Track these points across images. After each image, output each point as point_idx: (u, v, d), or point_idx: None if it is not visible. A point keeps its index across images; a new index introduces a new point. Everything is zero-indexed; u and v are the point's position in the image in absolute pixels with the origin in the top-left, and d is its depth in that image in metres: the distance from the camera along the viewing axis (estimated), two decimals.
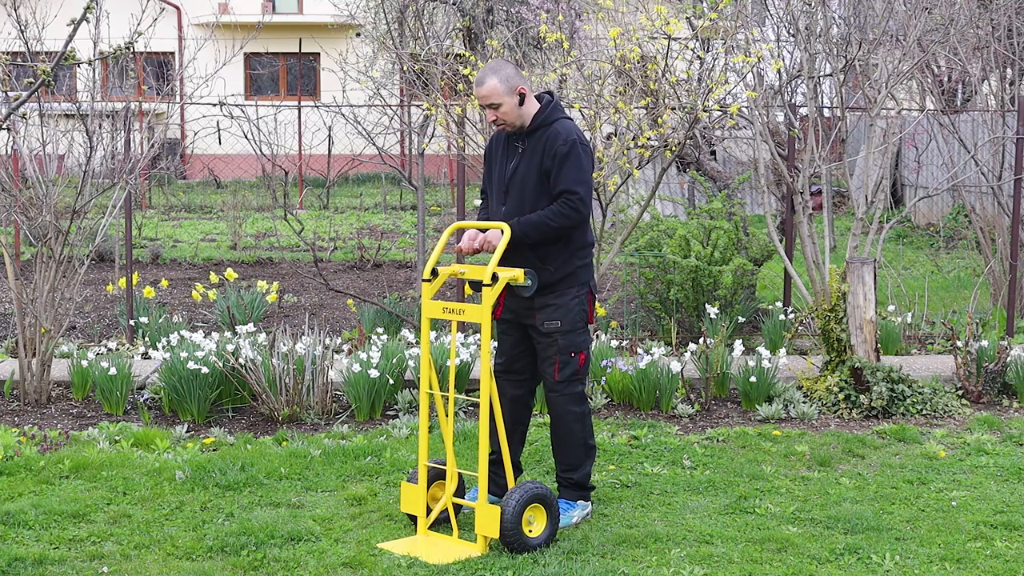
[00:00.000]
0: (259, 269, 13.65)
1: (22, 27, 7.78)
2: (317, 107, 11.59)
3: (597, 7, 9.64)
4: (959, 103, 15.02)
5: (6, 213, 8.10)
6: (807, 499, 5.78)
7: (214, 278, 10.38)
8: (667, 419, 7.32)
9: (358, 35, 20.91)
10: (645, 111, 8.53)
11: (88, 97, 8.29)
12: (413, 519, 5.31)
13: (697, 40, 10.21)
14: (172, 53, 24.90)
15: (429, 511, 5.29)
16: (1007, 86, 12.78)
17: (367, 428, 7.09)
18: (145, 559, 4.96)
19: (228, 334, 8.07)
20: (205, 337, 7.84)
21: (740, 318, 9.32)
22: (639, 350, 8.57)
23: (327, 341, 7.65)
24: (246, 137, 9.86)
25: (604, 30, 9.15)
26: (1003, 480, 6.16)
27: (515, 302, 5.40)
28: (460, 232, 5.56)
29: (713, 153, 12.38)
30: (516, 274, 5.18)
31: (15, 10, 7.75)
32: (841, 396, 7.48)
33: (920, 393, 7.50)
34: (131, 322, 9.31)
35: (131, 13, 7.82)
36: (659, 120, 8.34)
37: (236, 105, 10.04)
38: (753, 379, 7.53)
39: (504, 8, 16.30)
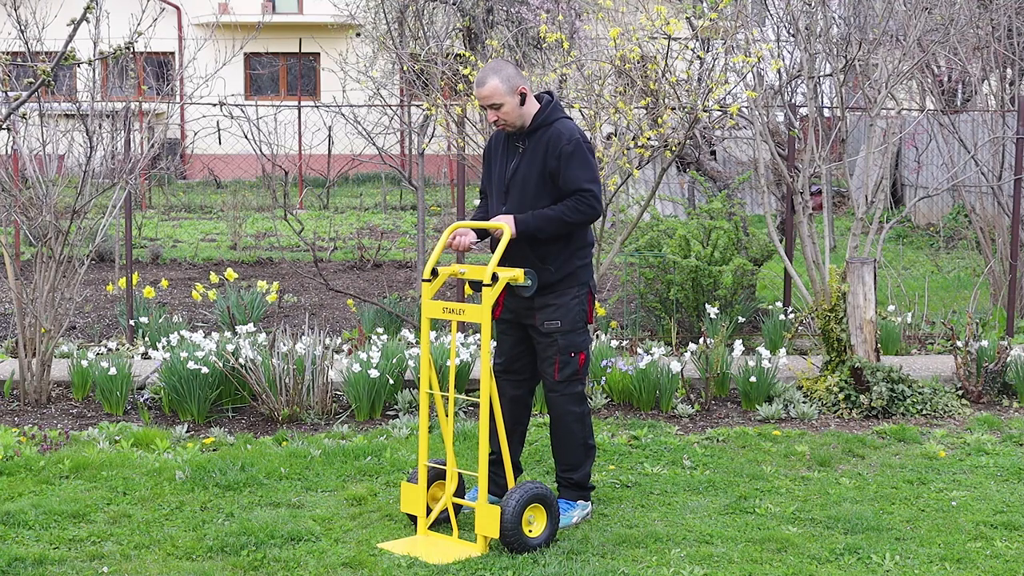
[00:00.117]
0: (259, 269, 13.65)
1: (22, 27, 7.78)
2: (317, 107, 11.59)
3: (597, 7, 9.64)
4: (959, 103, 15.02)
5: (6, 213, 8.10)
6: (807, 499, 5.78)
7: (214, 278, 10.38)
8: (667, 419, 7.32)
9: (358, 35, 20.92)
10: (645, 111, 8.53)
11: (88, 97, 8.29)
12: (413, 519, 5.31)
13: (697, 40, 10.22)
14: (172, 53, 24.90)
15: (429, 511, 5.29)
16: (1007, 86, 12.78)
17: (367, 428, 7.09)
18: (145, 559, 4.96)
19: (228, 334, 8.07)
20: (205, 337, 7.84)
21: (740, 318, 9.32)
22: (639, 350, 8.57)
23: (327, 341, 7.65)
24: (246, 137, 9.86)
25: (604, 30, 9.15)
26: (1003, 480, 6.16)
27: (515, 302, 5.40)
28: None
29: (713, 153, 12.38)
30: (516, 274, 5.18)
31: (15, 10, 7.75)
32: (841, 396, 7.48)
33: (920, 393, 7.50)
34: (131, 322, 9.31)
35: (131, 13, 7.82)
36: (659, 120, 8.34)
37: (236, 105, 10.04)
38: (753, 379, 7.53)
39: (504, 8, 16.30)
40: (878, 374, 7.47)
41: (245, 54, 25.72)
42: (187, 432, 6.92)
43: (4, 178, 7.93)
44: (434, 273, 5.30)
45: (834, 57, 9.62)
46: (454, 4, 16.47)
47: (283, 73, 29.45)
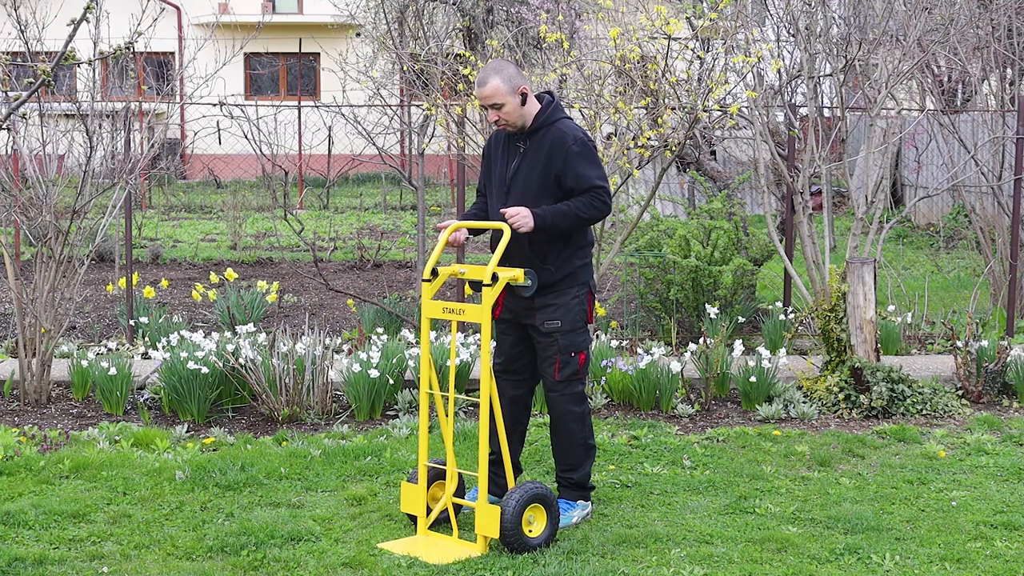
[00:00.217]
0: (259, 269, 13.65)
1: (22, 27, 7.78)
2: (317, 107, 11.59)
3: (597, 7, 9.64)
4: (959, 103, 15.02)
5: (6, 213, 8.10)
6: (807, 499, 5.78)
7: (214, 278, 10.38)
8: (667, 419, 7.32)
9: (358, 35, 20.92)
10: (645, 111, 8.53)
11: (88, 97, 8.29)
12: (413, 519, 5.31)
13: (697, 40, 10.22)
14: (172, 53, 24.90)
15: (429, 511, 5.29)
16: (1007, 86, 12.78)
17: (367, 428, 7.09)
18: (145, 559, 4.96)
19: (228, 334, 8.07)
20: (205, 337, 7.84)
21: (740, 318, 9.32)
22: (639, 350, 8.57)
23: (327, 341, 7.65)
24: (246, 137, 9.86)
25: (604, 30, 9.15)
26: (1003, 480, 6.16)
27: (515, 302, 5.40)
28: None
29: (713, 153, 12.38)
30: (516, 274, 5.18)
31: (15, 10, 7.75)
32: (841, 396, 7.48)
33: (920, 393, 7.50)
34: (131, 322, 9.31)
35: (131, 13, 7.82)
36: (659, 120, 8.34)
37: (236, 105, 10.04)
38: (753, 379, 7.53)
39: (504, 8, 16.30)
40: (878, 374, 7.47)
41: (245, 54, 25.73)
42: (187, 432, 6.92)
43: (4, 178, 7.93)
44: (434, 273, 5.30)
45: (834, 57, 9.62)
46: (454, 4, 16.47)
47: (283, 73, 29.45)
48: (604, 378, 7.66)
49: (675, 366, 7.53)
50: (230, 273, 10.06)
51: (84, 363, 7.66)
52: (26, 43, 7.78)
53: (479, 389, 5.48)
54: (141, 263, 13.83)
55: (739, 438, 6.85)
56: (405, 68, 9.90)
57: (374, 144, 9.97)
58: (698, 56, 9.22)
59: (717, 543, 5.18)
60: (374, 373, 7.23)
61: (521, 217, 5.19)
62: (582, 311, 5.43)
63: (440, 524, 5.36)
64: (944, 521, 5.48)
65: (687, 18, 11.12)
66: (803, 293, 8.99)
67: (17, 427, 6.97)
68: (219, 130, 13.82)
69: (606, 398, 7.67)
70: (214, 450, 6.57)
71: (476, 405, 7.40)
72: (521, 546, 5.00)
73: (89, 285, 11.77)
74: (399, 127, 11.68)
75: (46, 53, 7.82)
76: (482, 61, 9.18)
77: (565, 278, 5.39)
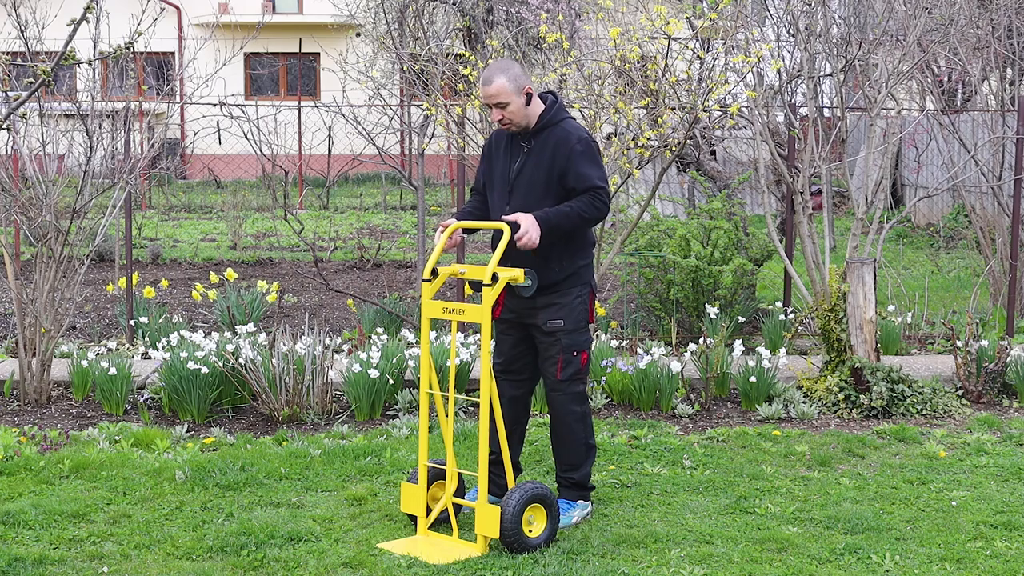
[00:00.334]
0: (259, 269, 13.65)
1: (22, 27, 7.79)
2: (317, 107, 11.59)
3: (597, 7, 9.64)
4: (959, 103, 15.02)
5: (6, 213, 8.10)
6: (807, 499, 5.78)
7: (214, 278, 10.38)
8: (667, 419, 7.32)
9: (358, 35, 20.93)
10: (645, 111, 8.53)
11: (88, 97, 8.29)
12: (413, 519, 5.31)
13: (697, 40, 10.22)
14: (172, 53, 24.90)
15: (429, 511, 5.29)
16: (1007, 86, 12.78)
17: (367, 428, 7.09)
18: (145, 559, 4.96)
19: (228, 334, 8.07)
20: (205, 337, 7.84)
21: (740, 318, 9.32)
22: (639, 350, 8.57)
23: (327, 341, 7.65)
24: (246, 137, 9.86)
25: (604, 30, 9.15)
26: (1003, 480, 6.16)
27: (516, 302, 5.40)
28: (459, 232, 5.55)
29: (713, 153, 12.37)
30: (516, 274, 5.18)
31: (15, 10, 7.75)
32: (841, 396, 7.48)
33: (920, 393, 7.50)
34: (131, 322, 9.31)
35: (131, 13, 7.83)
36: (659, 120, 8.34)
37: (236, 105, 10.05)
38: (753, 379, 7.53)
39: (504, 8, 16.30)
40: (878, 374, 7.47)
41: (245, 54, 25.72)
42: (187, 432, 6.92)
43: (4, 178, 7.93)
44: (434, 273, 5.29)
45: (834, 57, 9.62)
46: (454, 4, 16.48)
47: (283, 73, 29.45)
48: (604, 378, 7.66)
49: (675, 366, 7.53)
50: (230, 273, 10.06)
51: (84, 363, 7.66)
52: (26, 43, 7.78)
53: (479, 389, 5.49)
54: (141, 263, 13.83)
55: (739, 438, 6.85)
56: (405, 68, 9.91)
57: (374, 144, 9.97)
58: (698, 56, 9.22)
59: (717, 543, 5.18)
60: (374, 373, 7.23)
61: (528, 238, 5.15)
62: (584, 310, 5.44)
63: (440, 524, 5.36)
64: (944, 521, 5.48)
65: (687, 18, 11.12)
66: (803, 293, 8.99)
67: (17, 427, 6.97)
68: (219, 130, 13.83)
69: (606, 398, 7.67)
70: (214, 450, 6.57)
71: (476, 405, 7.40)
72: (521, 546, 5.00)
73: (89, 285, 11.77)
74: (399, 127, 11.69)
75: (46, 53, 7.83)
76: (482, 61, 9.19)
77: (568, 277, 5.39)
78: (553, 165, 5.32)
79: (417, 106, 10.61)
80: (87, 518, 5.43)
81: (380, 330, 8.85)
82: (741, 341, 8.07)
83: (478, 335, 8.23)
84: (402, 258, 14.41)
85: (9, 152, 8.76)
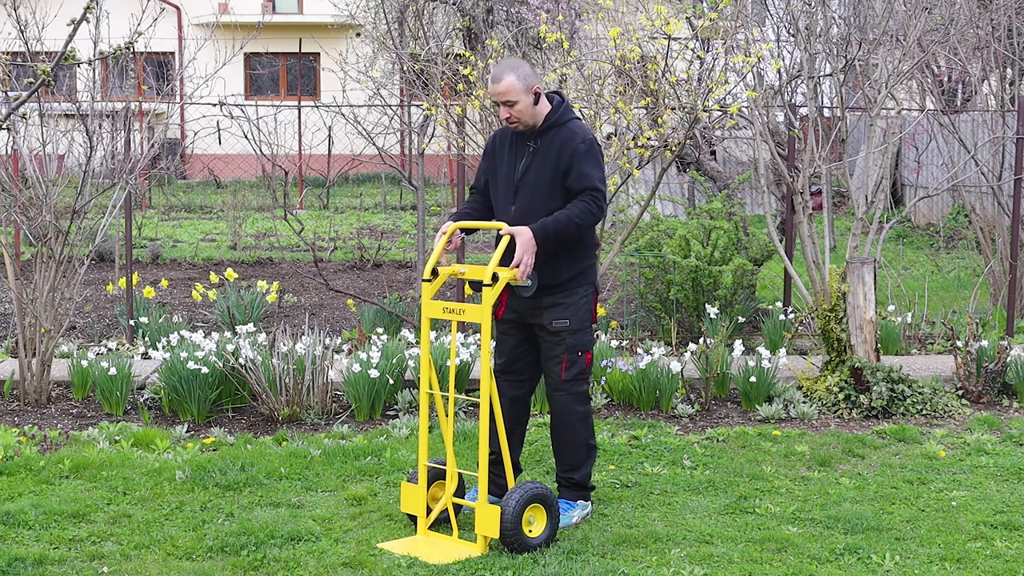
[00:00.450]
0: (259, 269, 13.65)
1: (22, 27, 7.79)
2: (317, 107, 11.59)
3: (597, 7, 9.64)
4: (959, 103, 15.02)
5: (6, 213, 8.10)
6: (807, 499, 5.78)
7: (214, 278, 10.38)
8: (667, 419, 7.32)
9: (358, 35, 20.92)
10: (645, 111, 8.53)
11: (88, 97, 8.29)
12: (413, 519, 5.31)
13: (697, 40, 10.21)
14: (172, 53, 24.90)
15: (429, 511, 5.29)
16: (1007, 86, 12.78)
17: (367, 428, 7.09)
18: (145, 559, 4.96)
19: (228, 334, 8.07)
20: (205, 337, 7.84)
21: (740, 318, 9.32)
22: (639, 350, 8.57)
23: (327, 341, 7.65)
24: (246, 137, 9.86)
25: (604, 30, 9.15)
26: (1003, 480, 6.16)
27: (521, 302, 5.40)
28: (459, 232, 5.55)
29: (713, 153, 12.38)
30: (516, 274, 5.17)
31: (15, 10, 7.75)
32: (841, 396, 7.48)
33: (920, 393, 7.50)
34: (131, 322, 9.31)
35: (131, 13, 7.83)
36: (659, 120, 8.34)
37: (236, 105, 10.05)
38: (753, 379, 7.53)
39: (504, 8, 16.30)
40: (878, 374, 7.47)
41: (245, 54, 25.72)
42: (187, 432, 6.92)
43: (4, 178, 7.93)
44: (434, 273, 5.29)
45: (834, 57, 9.62)
46: (454, 4, 16.48)
47: (283, 73, 29.45)
48: (604, 378, 7.66)
49: (675, 366, 7.53)
50: (230, 273, 10.06)
51: (84, 363, 7.66)
52: (26, 43, 7.78)
53: (479, 389, 5.48)
54: (141, 263, 13.83)
55: (739, 438, 6.85)
56: (405, 68, 9.91)
57: (374, 144, 9.97)
58: (698, 56, 9.22)
59: (717, 543, 5.18)
60: (374, 373, 7.23)
61: (525, 265, 5.14)
62: (589, 310, 5.44)
63: (440, 524, 5.36)
64: (944, 521, 5.48)
65: (687, 18, 11.12)
66: (803, 293, 8.99)
67: (17, 427, 6.97)
68: (219, 130, 13.83)
69: (606, 398, 7.67)
70: (214, 450, 6.57)
71: (476, 405, 7.40)
72: (521, 546, 5.00)
73: (89, 285, 11.77)
74: (399, 127, 11.69)
75: (46, 53, 7.83)
76: (482, 61, 9.18)
77: (574, 277, 5.40)
78: (558, 165, 5.33)
79: (417, 106, 10.61)
80: (87, 518, 5.43)
81: (380, 330, 8.85)
82: (741, 341, 8.07)
83: (478, 335, 8.23)
84: (402, 258, 14.41)
85: (9, 152, 8.76)
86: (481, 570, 4.86)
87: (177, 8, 26.51)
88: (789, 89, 10.65)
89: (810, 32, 9.41)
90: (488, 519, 5.01)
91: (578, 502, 5.49)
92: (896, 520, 5.49)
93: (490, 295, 5.11)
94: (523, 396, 5.60)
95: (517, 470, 5.66)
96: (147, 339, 9.02)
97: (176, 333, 7.93)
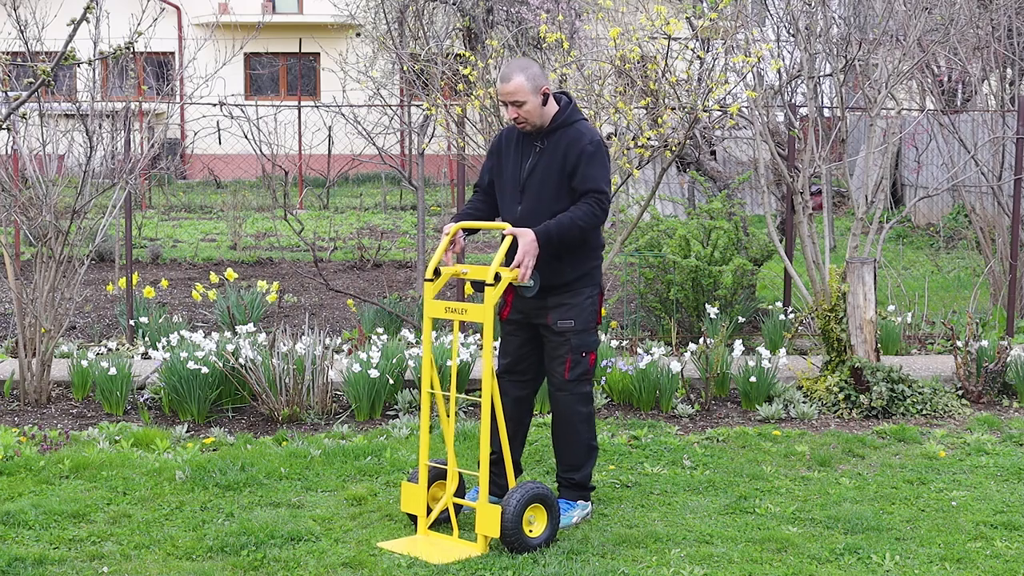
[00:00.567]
0: (259, 269, 13.65)
1: (22, 27, 7.78)
2: (317, 107, 11.60)
3: (597, 7, 9.65)
4: (959, 103, 15.02)
5: (6, 213, 8.10)
6: (807, 499, 5.78)
7: (214, 278, 10.38)
8: (667, 419, 7.32)
9: (358, 35, 20.93)
10: (645, 111, 8.53)
11: (88, 97, 8.29)
12: (413, 519, 5.31)
13: (697, 40, 10.22)
14: (172, 53, 24.91)
15: (429, 511, 5.29)
16: (1007, 86, 12.79)
17: (367, 428, 7.09)
18: (145, 559, 4.96)
19: (228, 334, 8.07)
20: (205, 337, 7.84)
21: (740, 318, 9.32)
22: (639, 350, 8.57)
23: (327, 341, 7.65)
24: (246, 137, 9.86)
25: (604, 30, 9.15)
26: (1003, 480, 6.16)
27: (525, 302, 5.40)
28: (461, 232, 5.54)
29: (713, 153, 12.38)
30: (517, 275, 5.17)
31: (15, 10, 7.75)
32: (841, 396, 7.48)
33: (920, 393, 7.50)
34: (131, 322, 9.31)
35: (131, 13, 7.83)
36: (659, 120, 8.35)
37: (236, 105, 10.05)
38: (753, 379, 7.53)
39: (504, 8, 16.30)
40: (878, 374, 7.47)
41: (245, 54, 25.73)
42: (187, 432, 6.92)
43: (4, 178, 7.93)
44: (436, 273, 5.29)
45: (834, 57, 9.62)
46: (454, 4, 16.48)
47: (283, 73, 29.45)
48: (604, 378, 7.66)
49: (675, 366, 7.53)
50: (230, 273, 10.06)
51: (84, 363, 7.66)
52: (26, 43, 7.78)
53: (480, 389, 5.48)
54: (141, 263, 13.83)
55: (739, 438, 6.85)
56: (405, 68, 9.91)
57: (374, 144, 9.97)
58: (698, 56, 9.22)
59: (717, 543, 5.18)
60: (374, 373, 7.23)
61: (525, 267, 5.12)
62: (594, 311, 5.44)
63: (440, 524, 5.35)
64: (944, 521, 5.48)
65: (687, 18, 11.12)
66: (803, 293, 8.99)
67: (17, 427, 6.97)
68: (219, 130, 13.83)
69: (606, 398, 7.67)
70: (214, 450, 6.57)
71: (476, 405, 7.40)
72: (521, 546, 5.00)
73: (89, 285, 11.77)
74: (399, 127, 11.69)
75: (46, 53, 7.83)
76: (482, 61, 9.19)
77: (579, 278, 5.40)
78: (565, 165, 5.33)
79: (417, 106, 10.61)
80: (87, 518, 5.42)
81: (380, 330, 8.85)
82: (741, 341, 8.07)
83: (477, 335, 8.23)
84: (402, 258, 14.41)
85: (9, 152, 8.76)
86: (481, 570, 4.86)
87: (177, 8, 26.51)
88: (789, 89, 10.65)
89: (810, 32, 9.41)
90: (489, 519, 5.01)
91: (578, 502, 5.49)
92: (896, 520, 5.49)
93: (492, 295, 5.10)
94: (526, 396, 5.61)
95: (518, 470, 5.66)
96: (147, 339, 9.02)
97: (176, 333, 7.93)
